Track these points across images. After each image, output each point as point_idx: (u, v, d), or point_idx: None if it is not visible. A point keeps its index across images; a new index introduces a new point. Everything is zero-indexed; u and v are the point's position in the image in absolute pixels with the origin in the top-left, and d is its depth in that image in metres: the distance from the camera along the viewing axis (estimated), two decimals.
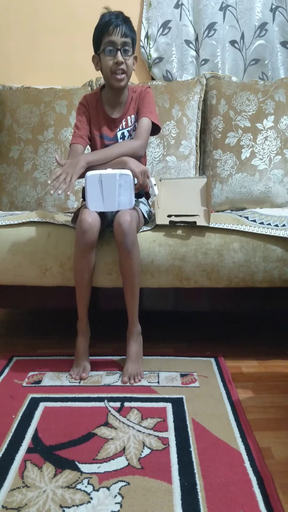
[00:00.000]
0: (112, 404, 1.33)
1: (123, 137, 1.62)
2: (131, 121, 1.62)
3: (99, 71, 1.57)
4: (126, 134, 1.62)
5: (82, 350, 1.52)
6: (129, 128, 1.62)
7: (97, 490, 0.99)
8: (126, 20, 1.50)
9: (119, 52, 1.47)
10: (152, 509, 0.93)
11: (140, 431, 1.20)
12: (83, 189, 1.48)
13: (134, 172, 1.44)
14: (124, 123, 1.62)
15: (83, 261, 1.45)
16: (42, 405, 1.32)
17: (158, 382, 1.45)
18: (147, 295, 1.60)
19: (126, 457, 1.09)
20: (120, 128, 1.61)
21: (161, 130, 1.75)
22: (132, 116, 1.62)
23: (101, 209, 1.46)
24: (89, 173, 1.44)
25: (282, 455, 1.11)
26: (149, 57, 2.28)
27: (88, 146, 1.64)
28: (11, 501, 0.96)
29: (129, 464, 1.07)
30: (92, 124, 1.62)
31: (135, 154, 1.52)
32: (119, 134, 1.61)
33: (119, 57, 1.47)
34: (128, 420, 1.25)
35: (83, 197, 1.49)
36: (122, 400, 1.35)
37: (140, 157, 1.56)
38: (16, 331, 2.00)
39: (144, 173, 1.45)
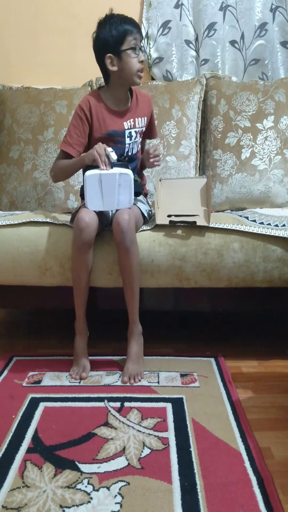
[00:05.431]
0: (112, 404, 1.33)
1: (130, 136, 1.61)
2: (139, 123, 1.63)
3: (114, 69, 1.51)
4: (134, 134, 1.61)
5: (80, 350, 1.53)
6: (136, 129, 1.63)
7: (97, 490, 0.99)
8: None
9: (141, 51, 1.52)
10: (152, 509, 0.93)
11: (140, 431, 1.20)
12: (82, 189, 1.47)
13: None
14: (132, 122, 1.61)
15: (81, 260, 1.46)
16: (42, 405, 1.32)
17: (158, 382, 1.45)
18: (147, 295, 1.60)
19: (126, 457, 1.09)
20: (128, 127, 1.60)
21: (156, 136, 1.84)
22: (140, 119, 1.64)
23: (100, 208, 1.46)
24: (88, 172, 1.43)
25: (282, 455, 1.11)
26: (149, 57, 2.27)
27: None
28: (11, 501, 0.96)
29: (129, 464, 1.07)
30: (94, 126, 1.57)
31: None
32: (126, 132, 1.60)
33: (142, 56, 1.53)
34: (128, 420, 1.25)
35: (82, 196, 1.49)
36: (122, 400, 1.35)
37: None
38: (16, 331, 2.00)
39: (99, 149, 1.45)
